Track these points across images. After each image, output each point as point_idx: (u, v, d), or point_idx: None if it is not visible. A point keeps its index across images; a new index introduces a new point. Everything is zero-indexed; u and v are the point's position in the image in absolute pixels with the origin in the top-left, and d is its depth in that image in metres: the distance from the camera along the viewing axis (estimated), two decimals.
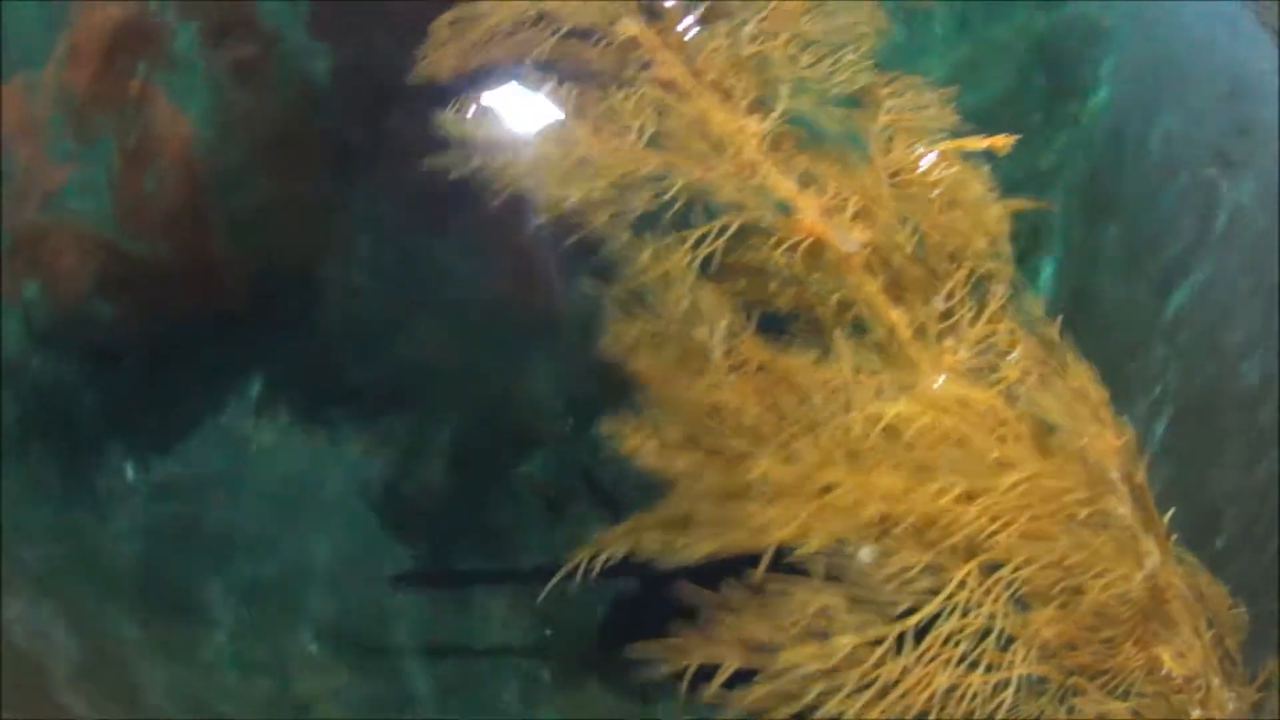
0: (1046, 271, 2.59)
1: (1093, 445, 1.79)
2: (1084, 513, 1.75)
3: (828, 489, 1.59)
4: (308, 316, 2.37)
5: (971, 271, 1.82)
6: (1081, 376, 1.84)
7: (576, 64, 1.87)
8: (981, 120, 2.13)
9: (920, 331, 1.75)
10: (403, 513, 2.26)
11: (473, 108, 1.82)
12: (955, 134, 1.93)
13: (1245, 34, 2.66)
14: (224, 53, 2.44)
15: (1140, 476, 1.84)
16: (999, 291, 1.82)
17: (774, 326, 1.73)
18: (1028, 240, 2.60)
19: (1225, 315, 2.44)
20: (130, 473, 2.16)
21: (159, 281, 2.30)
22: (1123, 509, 1.80)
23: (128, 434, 2.19)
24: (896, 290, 1.77)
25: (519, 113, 1.81)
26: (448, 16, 1.94)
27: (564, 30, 1.89)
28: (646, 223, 1.70)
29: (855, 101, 1.92)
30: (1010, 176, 2.22)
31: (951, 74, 2.66)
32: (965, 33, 2.66)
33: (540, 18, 1.90)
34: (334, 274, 2.40)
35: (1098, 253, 2.55)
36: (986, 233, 1.85)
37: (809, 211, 1.76)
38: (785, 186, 1.77)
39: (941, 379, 1.70)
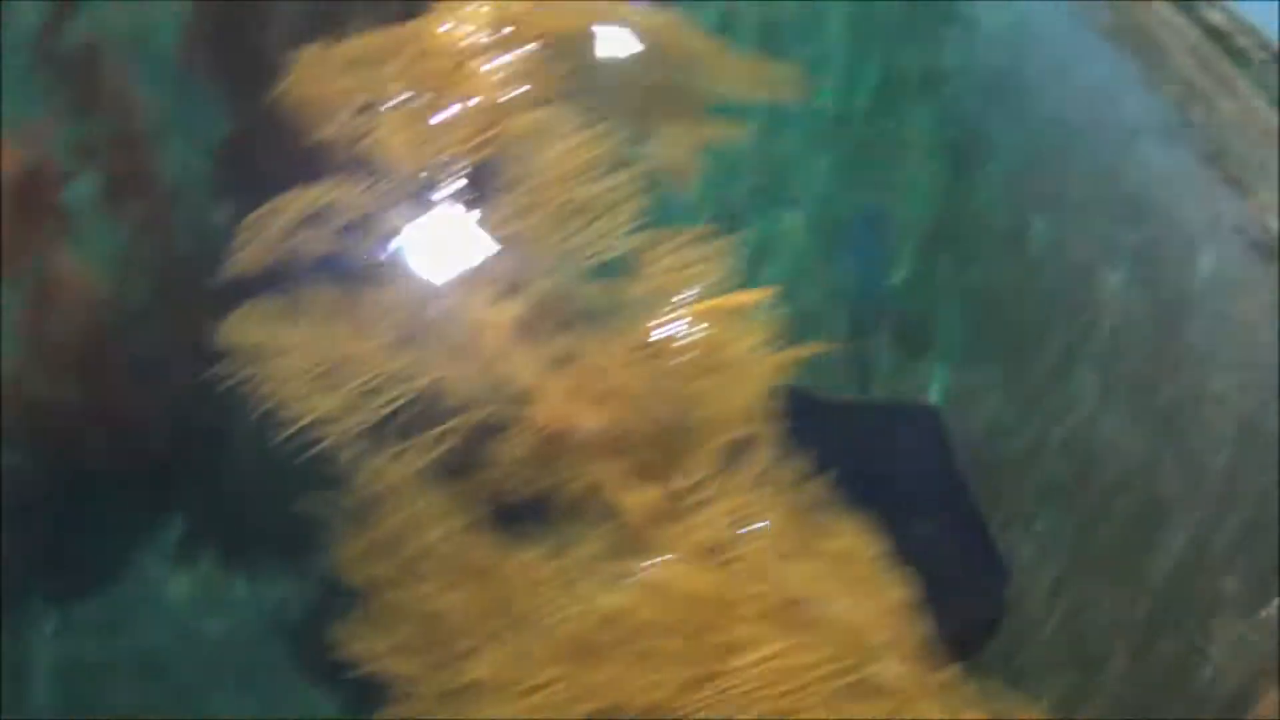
0: (940, 375, 2.54)
1: (854, 611, 1.77)
2: (844, 682, 1.74)
3: (546, 684, 1.65)
4: (220, 460, 2.54)
5: (727, 440, 1.82)
6: (847, 537, 1.82)
7: (352, 257, 1.97)
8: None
9: (664, 511, 1.77)
10: (323, 655, 2.39)
11: (252, 309, 1.94)
12: (723, 289, 1.92)
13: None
14: (124, 204, 2.63)
15: (918, 634, 1.81)
16: (756, 457, 1.82)
17: (516, 517, 1.79)
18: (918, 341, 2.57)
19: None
20: (49, 623, 2.39)
21: (69, 429, 2.51)
22: (894, 671, 1.78)
23: (45, 583, 2.41)
24: (643, 470, 1.79)
25: (289, 314, 1.92)
26: (256, 213, 2.06)
27: (342, 222, 1.99)
28: (386, 423, 1.79)
29: (621, 267, 1.95)
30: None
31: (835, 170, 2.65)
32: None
33: (323, 210, 2.00)
34: (244, 416, 2.56)
35: (985, 352, 2.49)
36: (746, 395, 1.85)
37: (552, 398, 1.81)
38: (531, 373, 1.82)
39: (674, 561, 1.73)
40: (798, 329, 2.00)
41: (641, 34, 2.34)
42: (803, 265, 2.39)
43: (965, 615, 2.13)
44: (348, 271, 1.95)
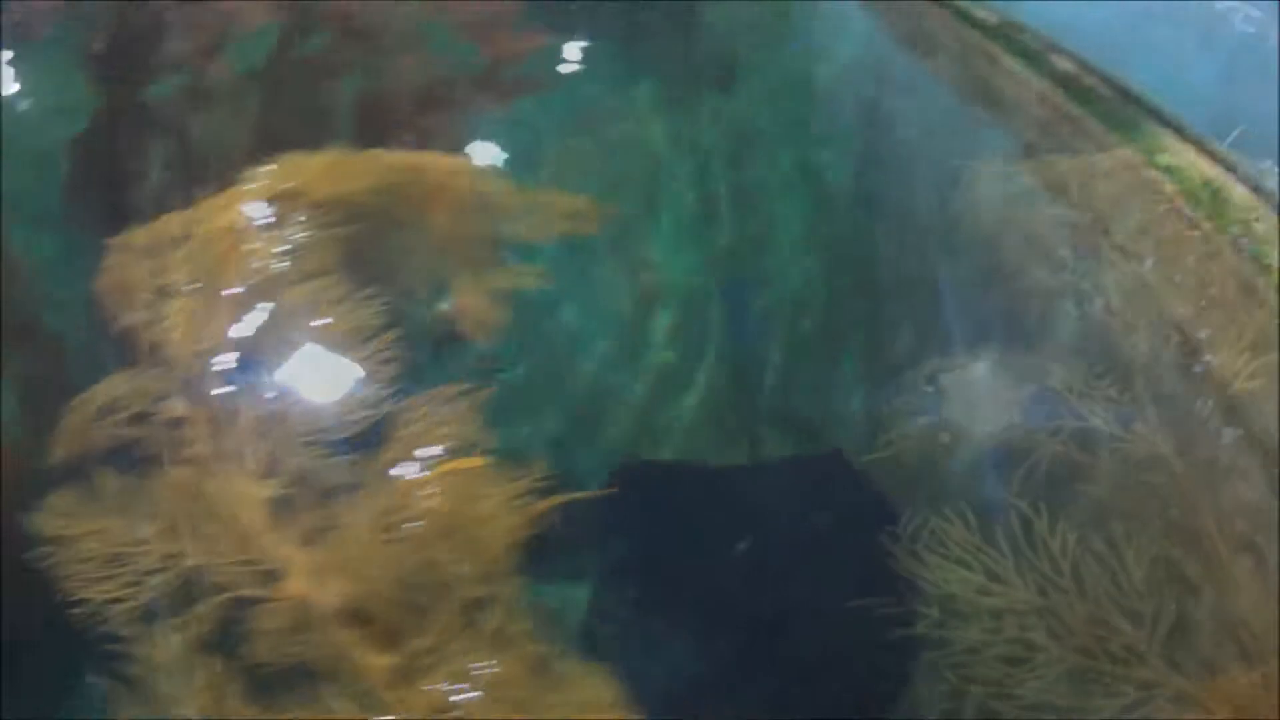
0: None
1: None
2: None
3: None
4: None
5: (465, 599, 1.93)
6: (585, 686, 1.90)
7: (137, 446, 2.13)
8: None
9: (401, 673, 1.89)
10: None
11: (57, 499, 2.12)
12: (472, 449, 2.03)
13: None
14: (12, 360, 2.83)
15: None
16: (493, 615, 1.92)
17: (273, 685, 1.93)
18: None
19: None
20: None
21: None
22: None
23: None
24: (385, 634, 1.92)
25: (85, 503, 2.09)
26: (76, 401, 2.24)
27: (131, 412, 2.16)
28: (157, 604, 1.96)
29: (374, 435, 2.07)
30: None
31: None
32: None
33: (117, 400, 2.18)
34: None
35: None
36: (487, 554, 1.95)
37: (301, 573, 1.94)
38: (281, 552, 1.96)
39: None
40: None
41: (432, 184, 2.46)
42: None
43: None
44: (133, 460, 2.12)
